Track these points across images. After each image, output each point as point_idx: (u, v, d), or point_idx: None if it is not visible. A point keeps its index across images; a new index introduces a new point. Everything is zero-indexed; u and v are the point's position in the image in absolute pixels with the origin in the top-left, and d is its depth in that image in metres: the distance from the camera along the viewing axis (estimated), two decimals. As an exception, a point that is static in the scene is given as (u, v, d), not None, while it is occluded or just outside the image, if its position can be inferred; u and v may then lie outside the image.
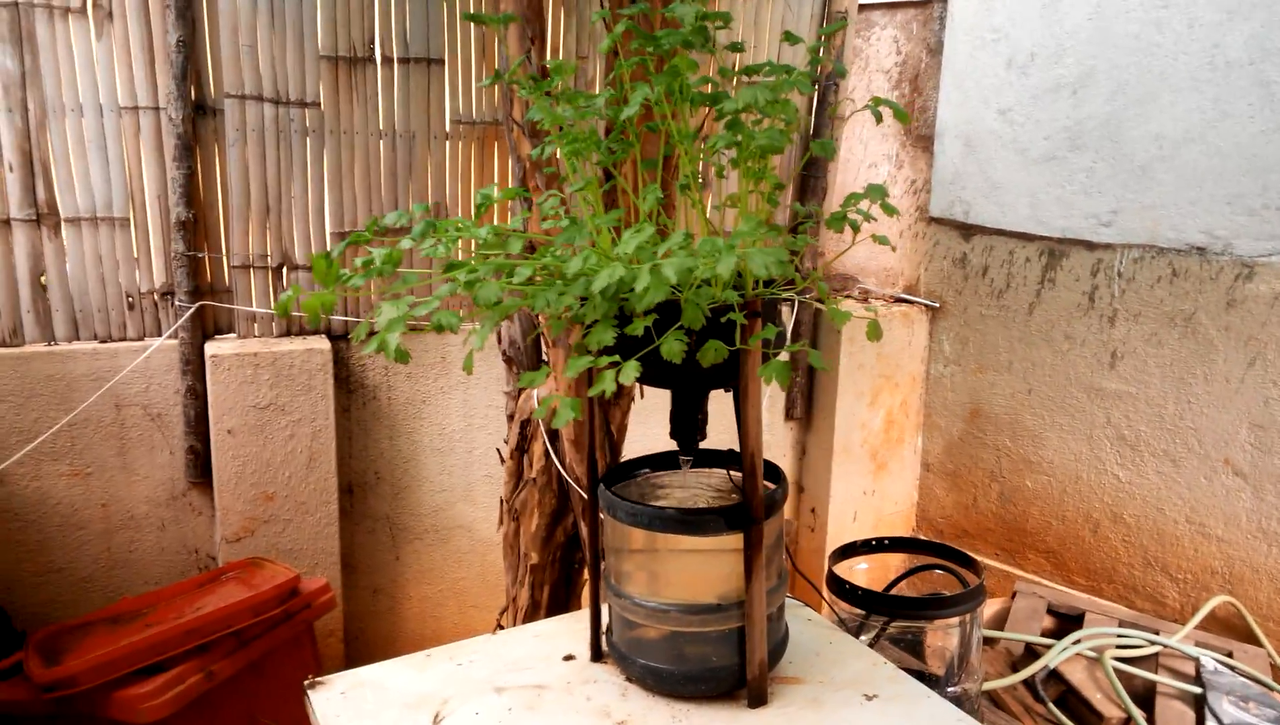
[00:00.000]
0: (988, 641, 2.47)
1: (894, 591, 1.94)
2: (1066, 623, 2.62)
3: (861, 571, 1.93)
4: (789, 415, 3.04)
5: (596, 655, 1.57)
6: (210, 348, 2.30)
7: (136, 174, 2.23)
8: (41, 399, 2.25)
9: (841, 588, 1.79)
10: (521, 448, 2.08)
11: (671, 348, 1.21)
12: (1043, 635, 2.55)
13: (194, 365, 2.31)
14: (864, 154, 3.12)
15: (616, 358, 1.23)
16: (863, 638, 1.84)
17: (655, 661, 1.46)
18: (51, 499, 2.32)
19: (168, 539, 2.44)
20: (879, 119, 1.32)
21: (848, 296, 3.15)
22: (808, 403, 3.05)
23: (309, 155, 2.33)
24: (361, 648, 2.64)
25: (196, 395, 2.33)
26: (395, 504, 2.63)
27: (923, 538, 2.07)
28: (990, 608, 2.66)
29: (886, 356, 3.02)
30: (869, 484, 3.11)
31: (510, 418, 2.10)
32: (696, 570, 1.44)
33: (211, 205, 2.31)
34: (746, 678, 1.44)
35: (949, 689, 1.82)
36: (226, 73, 2.22)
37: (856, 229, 1.33)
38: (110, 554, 2.40)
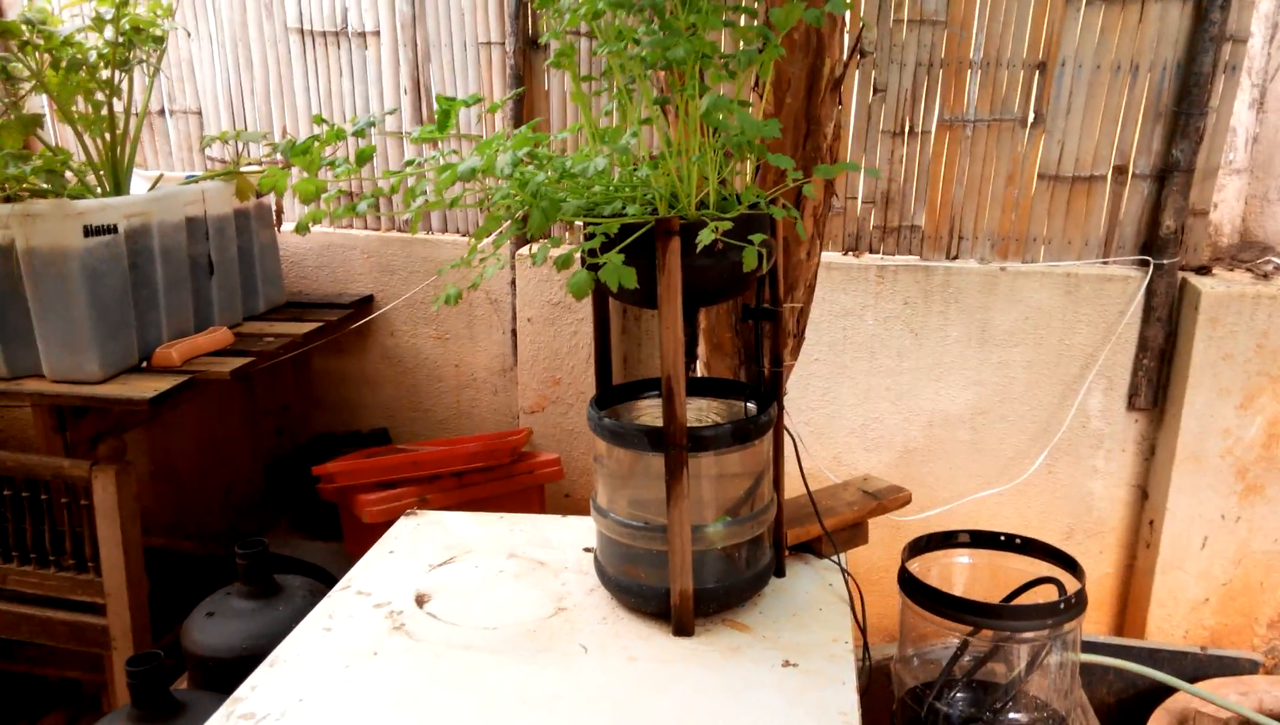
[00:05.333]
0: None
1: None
2: None
3: (964, 566, 1.69)
4: (1132, 404, 2.55)
5: (605, 552, 1.68)
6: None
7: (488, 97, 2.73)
8: (419, 275, 2.92)
9: (911, 584, 1.61)
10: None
11: (617, 272, 1.26)
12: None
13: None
14: (1305, 87, 2.41)
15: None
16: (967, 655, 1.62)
17: (606, 564, 1.55)
18: (422, 354, 3.01)
19: (498, 402, 3.00)
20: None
21: (1247, 270, 2.48)
22: (1157, 391, 2.52)
23: (615, 83, 2.60)
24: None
25: (519, 288, 2.80)
26: (677, 412, 2.85)
27: (1027, 537, 1.68)
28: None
29: (1273, 349, 2.35)
30: (1230, 507, 2.48)
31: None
32: (633, 484, 1.48)
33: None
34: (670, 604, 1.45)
35: (998, 715, 1.54)
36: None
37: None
38: (459, 405, 3.03)
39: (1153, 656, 2.15)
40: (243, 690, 1.36)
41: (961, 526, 2.70)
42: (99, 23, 2.14)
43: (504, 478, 2.47)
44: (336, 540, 2.76)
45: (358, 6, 2.76)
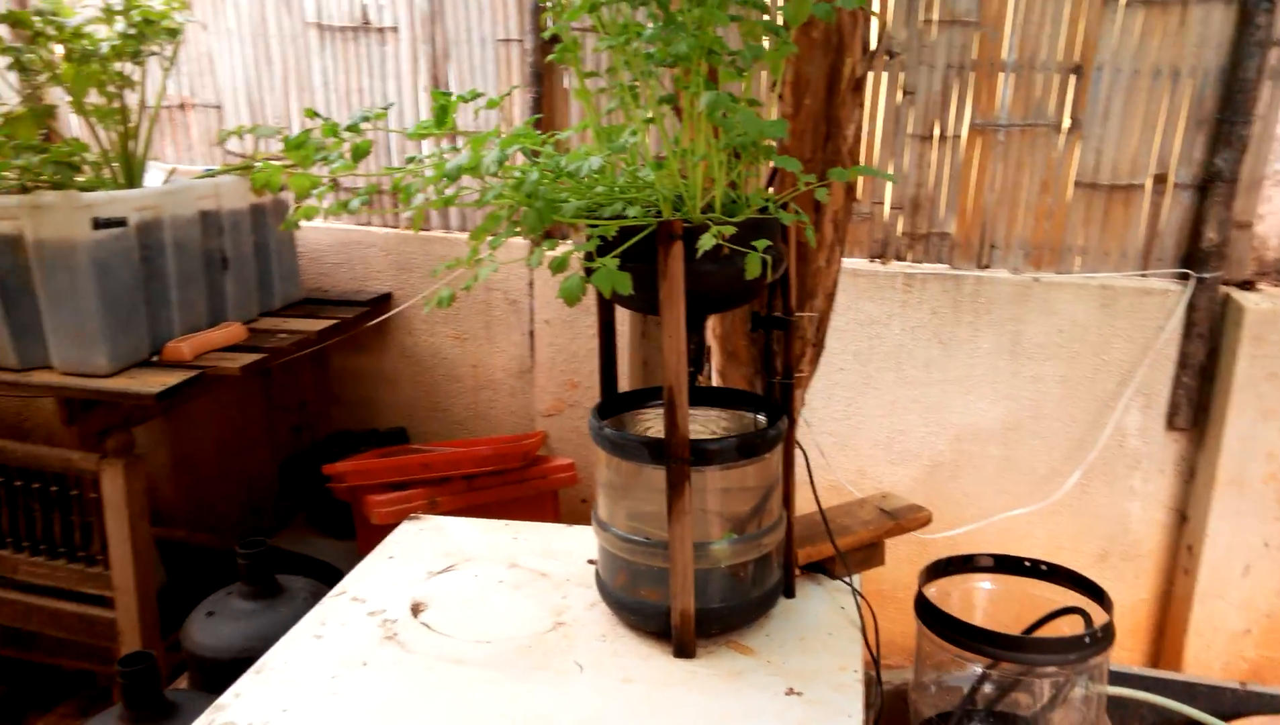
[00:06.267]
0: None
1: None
2: None
3: (986, 591, 1.61)
4: (1171, 423, 2.45)
5: (609, 565, 1.62)
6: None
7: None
8: (441, 273, 2.88)
9: (928, 610, 1.54)
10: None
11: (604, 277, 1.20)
12: None
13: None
14: (1360, 94, 2.29)
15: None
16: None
17: (607, 578, 1.50)
18: (441, 354, 2.97)
19: (515, 403, 2.96)
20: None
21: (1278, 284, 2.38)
22: (1197, 411, 2.42)
23: (638, 82, 2.55)
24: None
25: (537, 289, 2.75)
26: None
27: (1053, 563, 1.60)
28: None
29: (1321, 370, 2.25)
30: (1275, 535, 2.38)
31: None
32: (634, 497, 1.43)
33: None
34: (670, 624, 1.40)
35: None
36: (574, 7, 2.54)
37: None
38: (476, 406, 3.00)
39: (1189, 691, 2.05)
40: (226, 698, 1.32)
41: (990, 546, 2.62)
42: (109, 14, 2.12)
43: (516, 482, 2.43)
44: (350, 539, 2.73)
45: (376, 2, 2.73)
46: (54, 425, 3.14)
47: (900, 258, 2.58)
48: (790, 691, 1.33)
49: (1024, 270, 2.50)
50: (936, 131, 2.47)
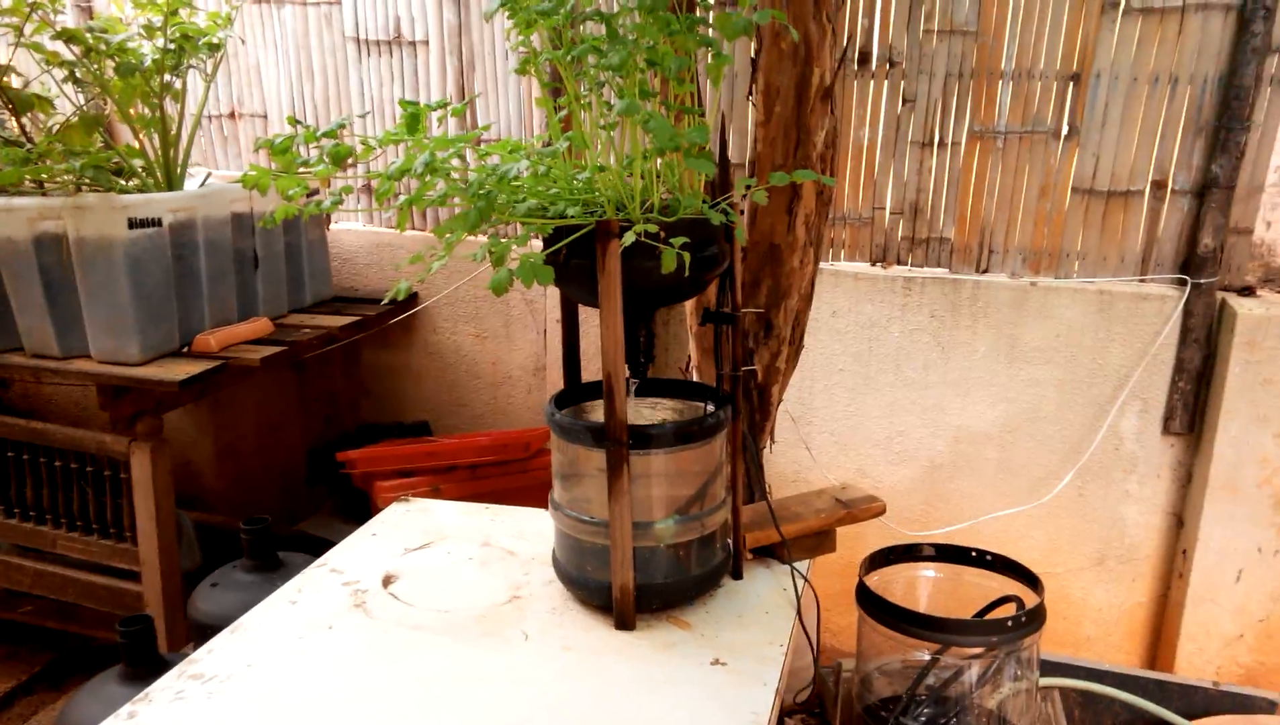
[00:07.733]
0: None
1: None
2: None
3: (929, 580, 1.66)
4: (1167, 428, 2.44)
5: (574, 545, 1.71)
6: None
7: (526, 105, 2.81)
8: (459, 273, 3.02)
9: (866, 597, 1.60)
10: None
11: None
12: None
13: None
14: (1364, 101, 2.26)
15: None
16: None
17: (560, 556, 1.59)
18: (462, 351, 3.10)
19: (532, 400, 3.07)
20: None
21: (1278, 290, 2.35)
22: (1194, 416, 2.41)
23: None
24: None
25: (550, 290, 2.86)
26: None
27: (994, 553, 1.63)
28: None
29: (1317, 377, 2.23)
30: (1269, 540, 2.35)
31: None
32: (582, 479, 1.52)
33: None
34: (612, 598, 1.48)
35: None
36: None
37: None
38: (495, 401, 3.12)
39: (1161, 689, 2.06)
40: (200, 653, 1.45)
41: (986, 546, 2.64)
42: (149, 31, 2.30)
43: (519, 472, 2.53)
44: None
45: (409, 16, 2.87)
46: (95, 411, 3.36)
47: (900, 262, 2.63)
48: (716, 662, 1.40)
49: (1022, 275, 2.52)
50: (936, 138, 2.51)
